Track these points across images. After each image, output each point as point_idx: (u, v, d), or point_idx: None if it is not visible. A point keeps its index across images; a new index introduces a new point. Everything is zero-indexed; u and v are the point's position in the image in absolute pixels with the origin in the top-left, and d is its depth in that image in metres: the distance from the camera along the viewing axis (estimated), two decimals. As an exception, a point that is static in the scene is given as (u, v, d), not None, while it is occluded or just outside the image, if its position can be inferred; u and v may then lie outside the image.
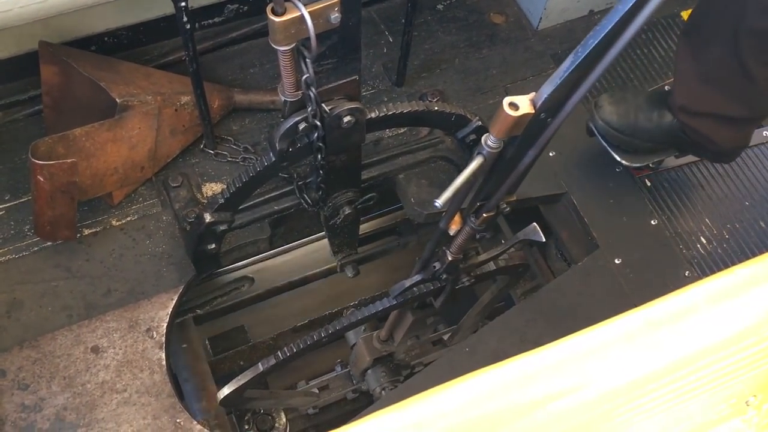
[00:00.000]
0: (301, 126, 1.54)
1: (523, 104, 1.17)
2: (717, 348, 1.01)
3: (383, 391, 2.32)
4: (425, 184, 2.22)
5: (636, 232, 2.19)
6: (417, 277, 1.79)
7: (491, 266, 2.19)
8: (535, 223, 2.60)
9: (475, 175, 1.31)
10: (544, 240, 2.12)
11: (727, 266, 2.16)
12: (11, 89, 2.15)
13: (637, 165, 2.16)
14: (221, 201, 1.76)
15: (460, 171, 2.25)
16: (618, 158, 2.14)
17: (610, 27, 1.05)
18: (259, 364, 1.91)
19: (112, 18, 2.14)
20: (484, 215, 1.53)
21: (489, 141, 1.24)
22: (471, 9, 2.55)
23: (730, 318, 1.03)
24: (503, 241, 2.62)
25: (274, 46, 1.34)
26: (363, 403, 2.46)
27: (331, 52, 1.43)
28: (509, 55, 2.46)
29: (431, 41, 2.46)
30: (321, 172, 1.72)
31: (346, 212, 1.98)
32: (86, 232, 2.02)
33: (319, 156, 1.64)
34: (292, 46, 1.35)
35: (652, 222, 2.21)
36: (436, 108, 1.83)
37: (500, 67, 2.44)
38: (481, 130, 2.04)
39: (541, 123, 1.21)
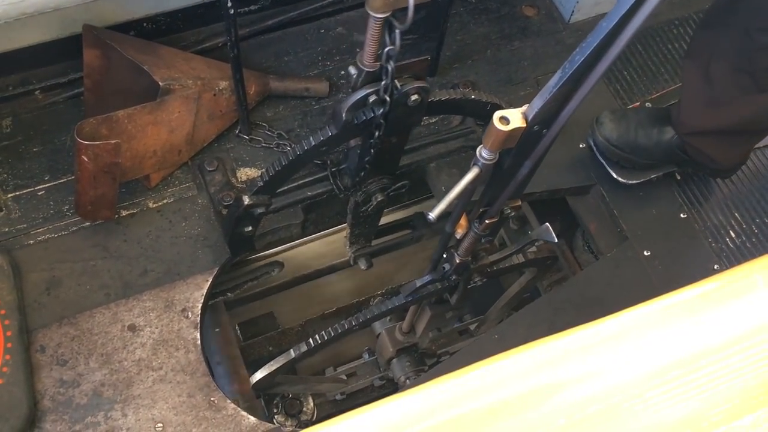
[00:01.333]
0: (371, 99, 1.53)
1: (515, 118, 1.18)
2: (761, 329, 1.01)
3: (408, 380, 2.35)
4: (456, 173, 2.24)
5: (665, 224, 2.20)
6: (427, 278, 1.81)
7: (520, 258, 2.22)
8: (547, 224, 2.63)
9: (472, 184, 1.31)
10: (556, 240, 2.08)
11: (756, 260, 2.17)
12: (52, 72, 2.19)
13: (635, 181, 2.20)
14: (260, 184, 1.78)
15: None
16: (615, 175, 2.20)
17: (595, 44, 1.06)
18: (291, 350, 1.94)
19: (152, 4, 2.18)
20: (487, 221, 1.53)
21: (483, 153, 1.24)
22: (503, 1, 2.57)
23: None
24: (530, 233, 2.64)
25: (370, 13, 1.34)
26: (390, 390, 2.49)
27: (414, 29, 1.42)
28: (540, 47, 2.48)
29: (463, 32, 2.48)
30: (372, 150, 1.70)
31: (378, 199, 1.99)
32: (124, 213, 2.05)
33: (377, 133, 1.62)
34: (387, 14, 1.35)
35: (682, 215, 2.22)
36: (472, 96, 1.85)
37: (531, 59, 2.45)
38: (515, 120, 2.06)
39: (536, 135, 1.22)
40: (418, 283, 1.82)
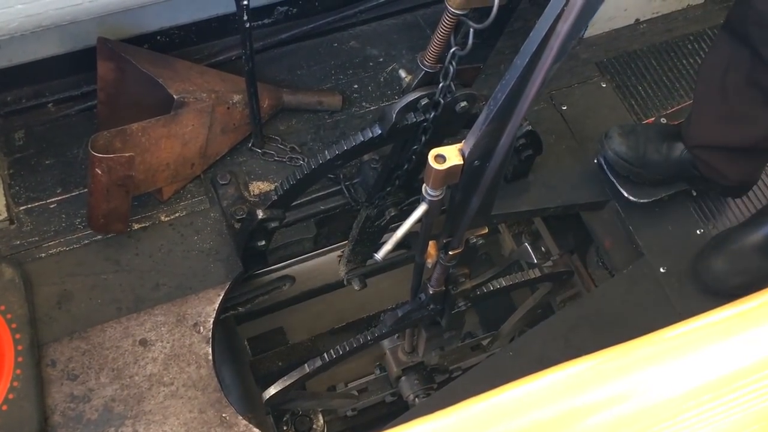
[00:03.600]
0: (423, 102, 1.51)
1: (451, 155, 1.16)
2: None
3: (416, 399, 2.32)
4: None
5: (681, 240, 2.18)
6: (407, 307, 1.79)
7: (537, 273, 2.19)
8: (527, 244, 2.60)
9: (426, 219, 1.29)
10: (535, 261, 2.21)
11: (774, 277, 2.14)
12: (65, 84, 2.19)
13: (645, 200, 2.16)
14: (275, 197, 1.77)
15: (504, 176, 2.25)
16: (626, 194, 2.16)
17: (513, 81, 1.07)
18: (306, 365, 1.92)
19: (166, 17, 2.18)
20: (451, 253, 1.51)
21: (428, 190, 1.22)
22: (516, 16, 2.55)
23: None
24: (542, 248, 2.62)
25: (448, 7, 1.33)
26: (401, 407, 2.46)
27: (477, 34, 1.38)
28: (554, 62, 2.46)
29: (476, 47, 2.47)
30: (414, 157, 1.66)
31: (392, 213, 1.98)
32: (136, 226, 2.04)
33: (423, 138, 1.58)
34: (465, 12, 1.33)
35: (698, 231, 2.19)
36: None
37: (545, 74, 2.44)
38: (531, 135, 2.05)
39: (478, 169, 1.20)
40: (400, 313, 1.80)
